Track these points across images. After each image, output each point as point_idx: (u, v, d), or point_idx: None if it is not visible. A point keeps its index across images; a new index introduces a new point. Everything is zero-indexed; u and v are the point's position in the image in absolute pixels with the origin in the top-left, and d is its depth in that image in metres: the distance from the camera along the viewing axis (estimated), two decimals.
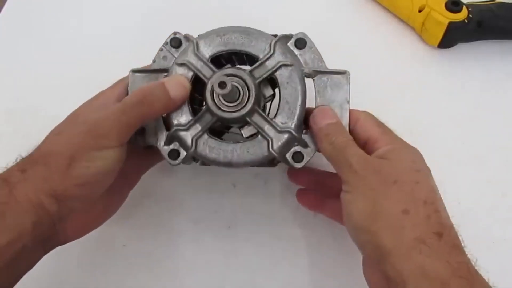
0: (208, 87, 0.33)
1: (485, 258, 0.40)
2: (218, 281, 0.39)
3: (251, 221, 0.42)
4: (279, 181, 0.44)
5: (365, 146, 0.34)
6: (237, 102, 0.33)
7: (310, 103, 0.36)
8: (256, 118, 0.34)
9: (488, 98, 0.50)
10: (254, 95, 0.33)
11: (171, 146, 0.35)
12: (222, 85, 0.30)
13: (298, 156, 0.35)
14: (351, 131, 0.35)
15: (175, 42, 0.37)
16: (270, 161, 0.38)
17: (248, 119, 0.34)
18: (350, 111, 0.35)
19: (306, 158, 0.35)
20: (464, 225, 0.42)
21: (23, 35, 0.56)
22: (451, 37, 0.51)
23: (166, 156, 0.35)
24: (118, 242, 0.42)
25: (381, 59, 0.53)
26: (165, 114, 0.36)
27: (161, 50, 0.37)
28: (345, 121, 0.35)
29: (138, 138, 0.36)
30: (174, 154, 0.35)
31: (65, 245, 0.41)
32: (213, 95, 0.33)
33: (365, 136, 0.34)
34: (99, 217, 0.36)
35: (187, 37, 0.37)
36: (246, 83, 0.34)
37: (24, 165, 0.32)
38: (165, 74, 0.36)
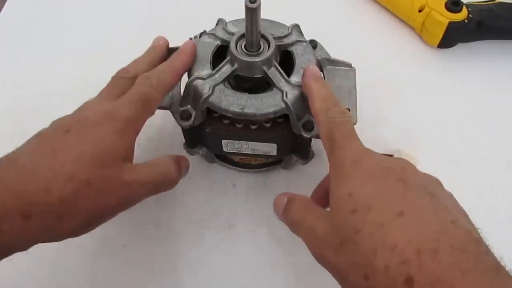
0: (233, 39, 0.36)
1: None
2: (218, 281, 0.39)
3: (251, 221, 0.42)
4: (279, 181, 0.44)
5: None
6: (258, 51, 0.36)
7: None
8: (273, 71, 0.36)
9: (488, 98, 0.50)
10: (273, 47, 0.36)
11: (183, 108, 0.37)
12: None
13: (309, 125, 0.36)
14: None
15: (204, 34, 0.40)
16: (278, 149, 0.39)
17: (265, 69, 0.35)
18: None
19: (316, 128, 0.36)
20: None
21: (23, 35, 0.56)
22: (451, 37, 0.51)
23: (178, 117, 0.37)
24: (118, 242, 0.42)
25: (381, 59, 0.53)
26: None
27: (190, 39, 0.41)
28: (353, 103, 0.38)
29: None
30: (185, 114, 0.36)
31: (65, 245, 0.41)
32: (236, 46, 0.36)
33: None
34: None
35: (219, 20, 0.40)
36: (267, 39, 0.36)
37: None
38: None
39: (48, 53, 0.54)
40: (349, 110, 0.37)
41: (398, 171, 0.26)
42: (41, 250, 0.41)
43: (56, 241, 0.29)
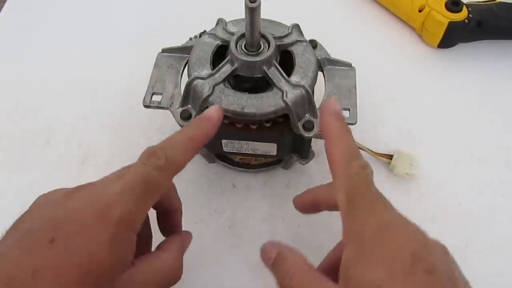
0: (234, 39, 0.36)
1: (486, 258, 0.40)
2: (218, 281, 0.39)
3: (251, 221, 0.42)
4: (279, 181, 0.44)
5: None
6: (258, 51, 0.36)
7: (320, 91, 0.39)
8: (273, 71, 0.36)
9: (488, 98, 0.50)
10: (273, 47, 0.35)
11: (184, 107, 0.37)
12: None
13: (308, 124, 0.36)
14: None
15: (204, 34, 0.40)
16: (278, 149, 0.39)
17: (265, 69, 0.35)
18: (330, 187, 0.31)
19: (316, 128, 0.36)
20: (464, 225, 0.42)
21: (23, 35, 0.56)
22: (451, 37, 0.51)
23: (178, 117, 0.37)
24: None
25: (381, 59, 0.53)
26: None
27: (190, 39, 0.41)
28: (353, 103, 0.38)
29: (153, 101, 0.38)
30: (185, 113, 0.36)
31: None
32: (236, 46, 0.36)
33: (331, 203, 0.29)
34: None
35: (219, 20, 0.40)
36: (267, 39, 0.36)
37: None
38: (187, 57, 0.39)
39: (48, 53, 0.54)
40: (349, 110, 0.37)
41: (425, 260, 0.23)
42: None
43: None
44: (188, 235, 0.34)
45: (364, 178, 0.26)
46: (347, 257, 0.24)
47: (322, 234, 0.42)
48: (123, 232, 0.24)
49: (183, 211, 0.43)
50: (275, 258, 0.28)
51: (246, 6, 0.32)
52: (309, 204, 0.32)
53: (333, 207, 0.29)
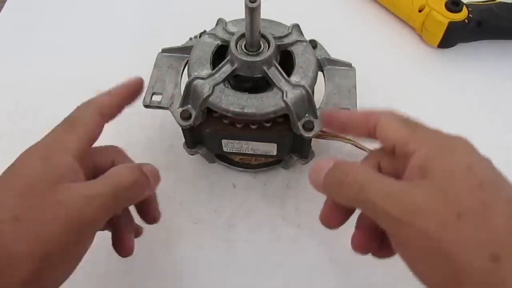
0: (234, 39, 0.36)
1: None
2: (218, 281, 0.39)
3: (251, 221, 0.42)
4: (279, 181, 0.44)
5: (393, 154, 0.26)
6: (258, 51, 0.35)
7: (320, 91, 0.39)
8: (273, 71, 0.36)
9: (488, 98, 0.50)
10: (273, 47, 0.35)
11: (184, 107, 0.37)
12: None
13: (308, 124, 0.36)
14: (373, 135, 0.28)
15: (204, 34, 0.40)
16: (278, 149, 0.39)
17: (265, 69, 0.35)
18: (369, 112, 0.29)
19: (316, 128, 0.36)
20: None
21: (23, 35, 0.56)
22: (451, 37, 0.51)
23: (178, 117, 0.37)
24: None
25: (381, 59, 0.53)
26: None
27: (190, 39, 0.41)
28: (353, 103, 0.38)
29: (153, 101, 0.38)
30: (185, 114, 0.36)
31: None
32: (236, 46, 0.36)
33: (390, 142, 0.26)
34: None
35: (219, 20, 0.40)
36: (267, 39, 0.36)
37: None
38: (187, 57, 0.39)
39: (48, 53, 0.54)
40: (349, 110, 0.37)
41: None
42: None
43: None
44: (149, 165, 0.31)
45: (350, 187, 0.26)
46: (429, 156, 0.24)
47: (322, 234, 0.42)
48: (117, 200, 0.27)
49: (183, 211, 0.43)
50: (333, 166, 0.26)
51: (246, 6, 0.32)
52: (339, 122, 0.30)
53: (366, 134, 0.28)
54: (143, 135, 0.47)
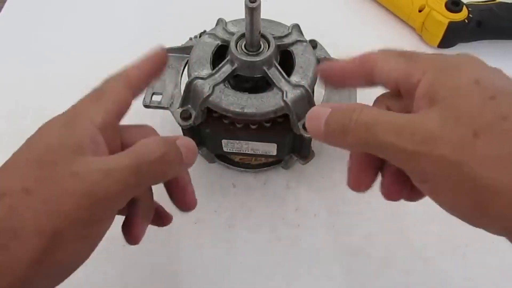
0: (234, 39, 0.36)
1: (486, 258, 0.40)
2: (218, 281, 0.39)
3: (251, 221, 0.42)
4: (279, 181, 0.44)
5: (399, 94, 0.24)
6: (258, 51, 0.36)
7: (319, 91, 0.39)
8: (273, 71, 0.36)
9: None
10: (273, 47, 0.35)
11: (183, 107, 0.37)
12: None
13: None
14: (373, 80, 0.26)
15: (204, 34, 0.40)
16: (278, 149, 0.39)
17: (265, 69, 0.35)
18: (363, 57, 0.26)
19: None
20: (465, 225, 0.42)
21: (23, 35, 0.56)
22: (451, 37, 0.51)
23: (178, 117, 0.37)
24: (118, 242, 0.41)
25: None
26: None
27: (190, 39, 0.41)
28: (353, 101, 0.38)
29: (153, 100, 0.38)
30: (185, 114, 0.37)
31: None
32: (236, 46, 0.36)
33: (392, 81, 0.24)
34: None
35: (219, 20, 0.40)
36: (267, 39, 0.36)
37: None
38: (187, 57, 0.39)
39: (48, 53, 0.54)
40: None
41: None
42: None
43: None
44: (185, 138, 0.28)
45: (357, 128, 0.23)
46: (431, 78, 0.22)
47: (322, 233, 0.42)
48: (138, 175, 0.24)
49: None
50: (332, 112, 0.24)
51: (246, 6, 0.32)
52: (336, 74, 0.27)
53: (365, 82, 0.26)
54: None
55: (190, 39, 0.42)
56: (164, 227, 0.42)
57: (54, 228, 0.21)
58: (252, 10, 0.32)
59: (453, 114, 0.20)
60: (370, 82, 0.26)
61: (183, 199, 0.30)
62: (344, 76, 0.27)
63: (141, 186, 0.25)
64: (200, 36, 0.41)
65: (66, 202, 0.22)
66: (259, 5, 0.32)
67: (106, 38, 0.55)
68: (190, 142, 0.28)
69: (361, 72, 0.26)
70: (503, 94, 0.21)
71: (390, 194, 0.26)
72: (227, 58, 0.36)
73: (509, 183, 0.19)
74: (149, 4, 0.59)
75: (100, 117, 0.25)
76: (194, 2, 0.58)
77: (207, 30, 0.40)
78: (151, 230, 0.42)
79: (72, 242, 0.22)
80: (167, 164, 0.25)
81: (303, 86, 0.35)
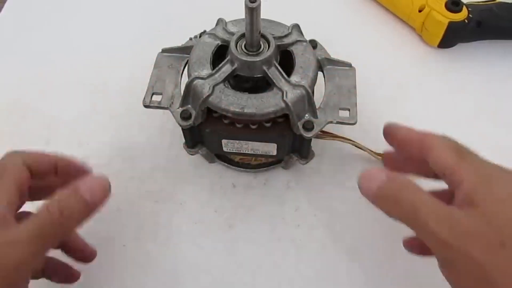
0: (234, 39, 0.36)
1: None
2: (218, 281, 0.39)
3: (251, 221, 0.42)
4: (279, 181, 0.44)
5: (445, 181, 0.28)
6: (258, 51, 0.35)
7: (319, 91, 0.39)
8: (273, 71, 0.36)
9: (488, 98, 0.50)
10: (273, 47, 0.35)
11: (183, 107, 0.37)
12: None
13: (308, 124, 0.36)
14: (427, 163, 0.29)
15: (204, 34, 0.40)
16: (278, 149, 0.39)
17: (265, 68, 0.35)
18: (425, 134, 0.30)
19: (316, 128, 0.36)
20: None
21: (23, 35, 0.56)
22: (451, 37, 0.51)
23: (178, 117, 0.37)
24: (118, 242, 0.41)
25: (381, 59, 0.53)
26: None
27: (190, 39, 0.41)
28: (353, 103, 0.37)
29: (153, 101, 0.38)
30: (185, 114, 0.36)
31: None
32: (236, 46, 0.36)
33: (440, 168, 0.27)
34: None
35: (219, 20, 0.40)
36: (267, 39, 0.36)
37: None
38: (187, 57, 0.39)
39: (48, 53, 0.54)
40: (349, 110, 0.37)
41: None
42: None
43: None
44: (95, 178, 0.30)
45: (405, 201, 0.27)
46: (476, 187, 0.25)
47: (322, 233, 0.42)
48: (43, 238, 0.26)
49: (183, 211, 0.43)
50: (388, 179, 0.27)
51: (246, 6, 0.32)
52: (397, 138, 0.32)
53: (418, 155, 0.29)
54: (143, 135, 0.47)
55: (190, 39, 0.42)
56: (164, 227, 0.42)
57: None
58: (252, 10, 0.32)
59: (487, 221, 0.23)
60: (421, 156, 0.29)
61: (83, 250, 0.35)
62: (403, 144, 0.31)
63: (45, 247, 0.27)
64: (200, 36, 0.41)
65: None
66: (259, 5, 0.32)
67: (106, 38, 0.55)
68: (96, 184, 0.29)
69: (417, 146, 0.29)
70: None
71: (413, 249, 0.33)
72: (227, 58, 0.36)
73: None
74: (149, 4, 0.59)
75: (5, 201, 0.28)
76: (194, 2, 0.58)
77: (207, 30, 0.40)
78: (151, 230, 0.42)
79: None
80: (68, 219, 0.28)
81: (303, 86, 0.35)
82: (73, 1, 0.59)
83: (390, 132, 0.32)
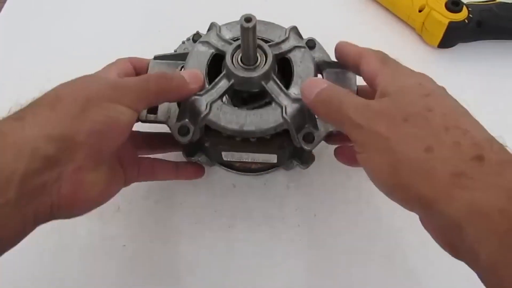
0: (229, 51, 0.35)
1: None
2: (218, 281, 0.39)
3: (251, 221, 0.42)
4: (279, 181, 0.44)
5: (372, 89, 0.31)
6: (255, 65, 0.35)
7: None
8: (271, 85, 0.35)
9: (488, 98, 0.50)
10: (271, 59, 0.35)
11: (181, 123, 0.35)
12: (248, 19, 0.31)
13: (309, 136, 0.35)
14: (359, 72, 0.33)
15: (197, 37, 0.39)
16: (279, 159, 0.39)
17: (263, 83, 0.34)
18: (361, 49, 0.34)
19: (317, 140, 0.35)
20: None
21: (23, 35, 0.56)
22: (451, 37, 0.51)
23: (175, 132, 0.35)
24: (118, 242, 0.42)
25: None
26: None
27: (183, 43, 0.40)
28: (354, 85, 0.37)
29: (149, 115, 0.37)
30: (183, 130, 0.35)
31: (64, 244, 0.41)
32: (232, 59, 0.35)
33: (368, 74, 0.31)
34: (96, 191, 0.30)
35: (212, 24, 0.39)
36: (264, 50, 0.35)
37: (23, 113, 0.30)
38: (182, 65, 0.38)
39: (48, 53, 0.54)
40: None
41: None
42: (41, 248, 0.41)
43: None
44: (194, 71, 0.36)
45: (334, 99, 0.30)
46: (387, 80, 0.29)
47: (322, 234, 0.42)
48: (149, 83, 0.32)
49: (183, 211, 0.43)
50: (327, 86, 0.31)
51: (241, 26, 0.31)
52: (343, 52, 0.36)
53: (355, 68, 0.34)
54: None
55: (183, 42, 0.41)
56: (164, 227, 0.42)
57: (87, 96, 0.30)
58: (248, 30, 0.31)
59: (394, 103, 0.27)
60: (357, 69, 0.33)
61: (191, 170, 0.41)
62: (345, 56, 0.35)
63: (150, 91, 0.32)
64: (193, 38, 0.40)
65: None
66: (255, 25, 0.31)
67: (106, 39, 0.55)
68: (193, 70, 0.35)
69: (355, 59, 0.33)
70: (436, 94, 0.28)
71: (342, 158, 0.38)
72: (223, 73, 0.35)
73: (417, 157, 0.24)
74: (149, 5, 0.59)
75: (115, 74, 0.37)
76: (194, 3, 0.58)
77: (200, 31, 0.39)
78: (151, 230, 0.42)
79: (86, 155, 0.28)
80: (169, 78, 0.33)
81: (302, 100, 0.34)
82: (73, 2, 0.59)
83: (337, 48, 0.36)
